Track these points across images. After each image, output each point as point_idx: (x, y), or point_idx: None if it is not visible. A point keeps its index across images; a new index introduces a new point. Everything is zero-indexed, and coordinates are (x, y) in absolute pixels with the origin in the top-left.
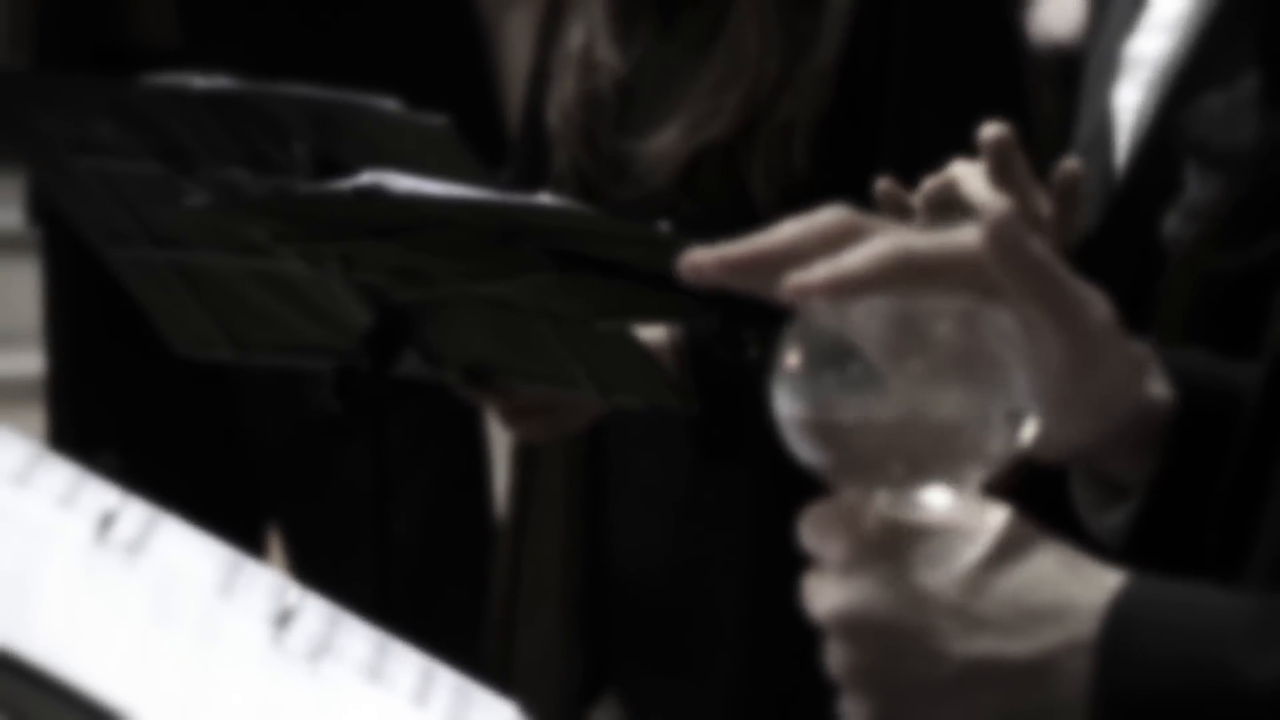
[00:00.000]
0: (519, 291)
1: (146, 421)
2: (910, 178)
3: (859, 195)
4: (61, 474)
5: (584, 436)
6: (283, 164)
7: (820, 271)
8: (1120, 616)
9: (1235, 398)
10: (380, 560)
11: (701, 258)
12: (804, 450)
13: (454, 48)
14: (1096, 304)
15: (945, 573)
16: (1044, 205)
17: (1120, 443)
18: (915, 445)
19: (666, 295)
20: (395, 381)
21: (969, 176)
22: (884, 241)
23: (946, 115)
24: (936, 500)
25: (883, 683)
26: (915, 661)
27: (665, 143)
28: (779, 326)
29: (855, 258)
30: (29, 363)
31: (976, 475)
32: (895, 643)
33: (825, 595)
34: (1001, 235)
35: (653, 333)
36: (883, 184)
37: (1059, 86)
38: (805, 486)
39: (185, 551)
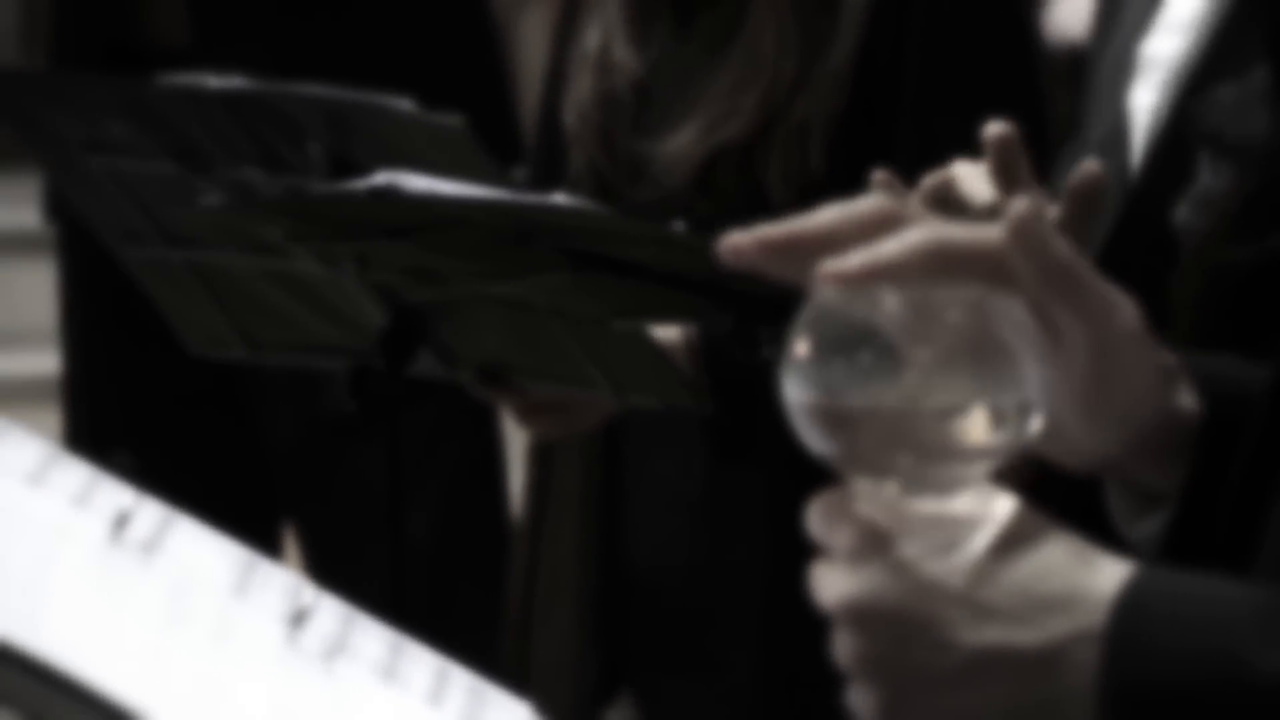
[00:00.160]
0: (533, 291)
1: (163, 420)
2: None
3: None
4: (76, 474)
5: (600, 436)
6: (297, 164)
7: (856, 259)
8: (1129, 607)
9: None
10: (395, 560)
11: (740, 239)
12: (813, 439)
13: (468, 47)
14: (1124, 308)
15: (953, 562)
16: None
17: (1148, 451)
18: (924, 434)
19: (681, 295)
20: (410, 381)
21: (969, 176)
22: (920, 231)
23: (962, 115)
24: (945, 490)
25: (891, 672)
26: (923, 651)
27: (681, 143)
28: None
29: (891, 246)
30: (44, 362)
31: (986, 465)
32: (903, 632)
33: (833, 584)
34: (1024, 233)
35: (667, 332)
36: (879, 176)
37: (1073, 86)
38: (820, 485)
39: (200, 551)
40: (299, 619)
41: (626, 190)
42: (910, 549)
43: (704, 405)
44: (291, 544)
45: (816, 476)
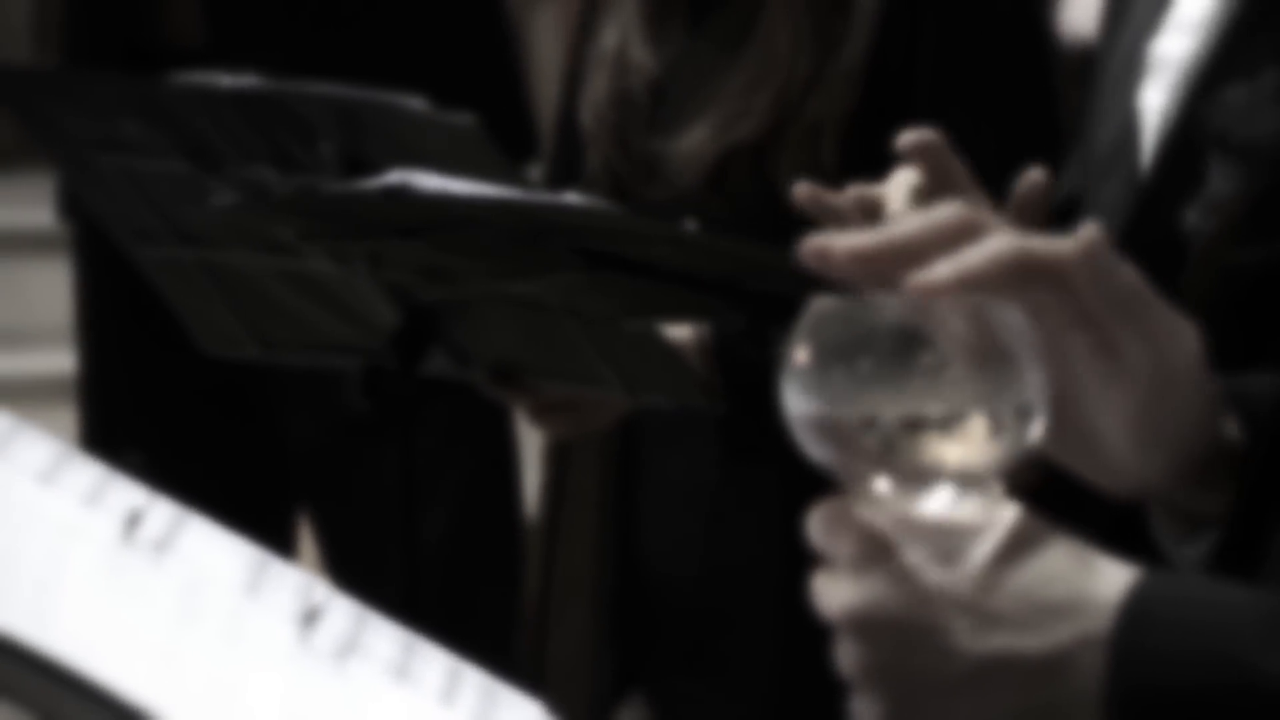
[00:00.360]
0: (546, 290)
1: (177, 419)
2: None
3: None
4: (88, 473)
5: (616, 435)
6: (310, 163)
7: (944, 270)
8: (1134, 611)
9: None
10: (409, 559)
11: (831, 246)
12: (813, 447)
13: (481, 46)
14: (1187, 335)
15: (956, 569)
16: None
17: (1191, 477)
18: (924, 442)
19: (693, 294)
20: (424, 381)
21: (894, 184)
22: (1001, 241)
23: (975, 115)
24: (946, 497)
25: (895, 681)
26: (928, 659)
27: (694, 142)
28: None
29: (977, 257)
30: (57, 361)
31: (986, 471)
32: (907, 640)
33: (836, 594)
34: (1092, 258)
35: (680, 331)
36: (801, 189)
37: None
38: (833, 486)
39: (212, 550)
40: (311, 618)
41: (641, 189)
42: (912, 557)
43: (716, 405)
44: (306, 543)
45: (829, 479)
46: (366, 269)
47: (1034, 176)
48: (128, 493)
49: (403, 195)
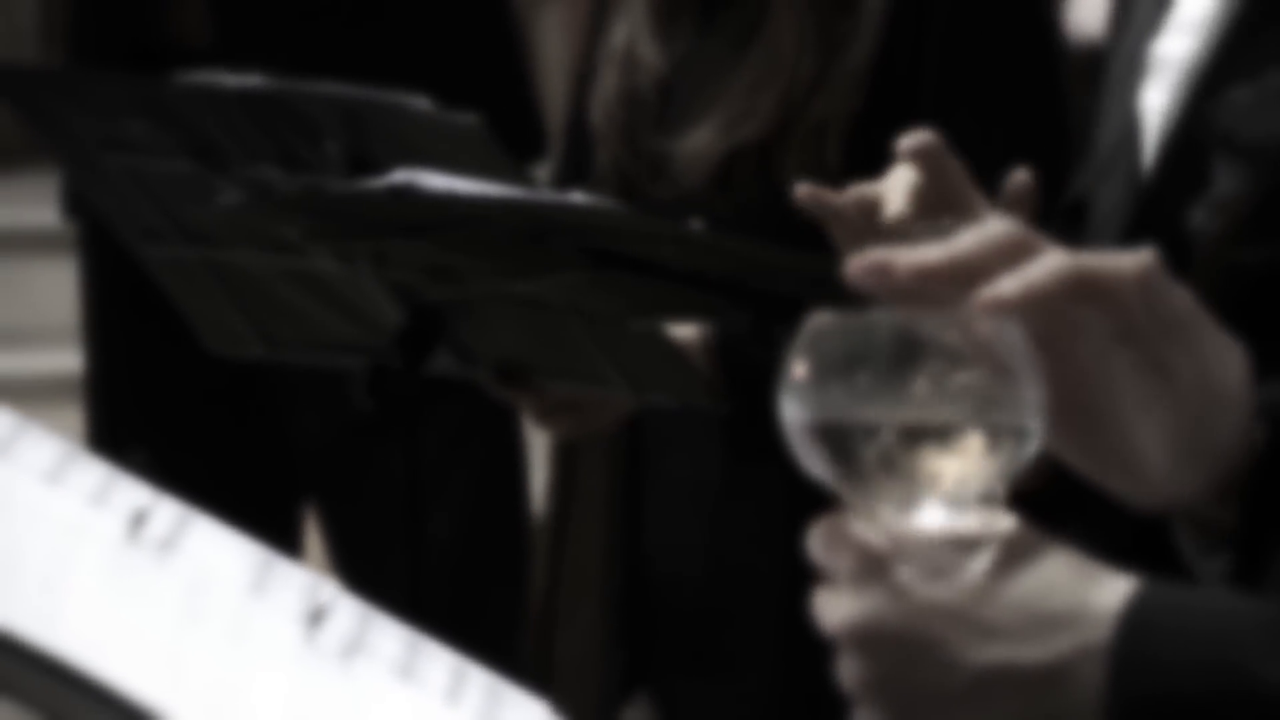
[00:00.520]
0: (551, 290)
1: (184, 418)
2: None
3: None
4: (93, 472)
5: (624, 434)
6: (315, 162)
7: (1011, 285)
8: (1133, 621)
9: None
10: (415, 558)
11: (894, 262)
12: (811, 461)
13: (487, 45)
14: (1234, 357)
15: (955, 582)
16: (988, 214)
17: (1225, 492)
18: (922, 456)
19: (698, 294)
20: (430, 381)
21: (891, 186)
22: (1061, 258)
23: (981, 116)
24: (944, 511)
25: (897, 694)
26: (928, 671)
27: (700, 142)
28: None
29: (1040, 272)
30: (63, 360)
31: (983, 485)
32: (907, 653)
33: (836, 608)
34: (1148, 278)
35: (685, 331)
36: (803, 190)
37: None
38: (832, 498)
39: (217, 550)
40: (316, 617)
41: (649, 188)
42: (911, 570)
43: (721, 404)
44: (313, 542)
45: (828, 490)
46: (371, 268)
47: (1021, 177)
48: (133, 492)
49: (408, 195)
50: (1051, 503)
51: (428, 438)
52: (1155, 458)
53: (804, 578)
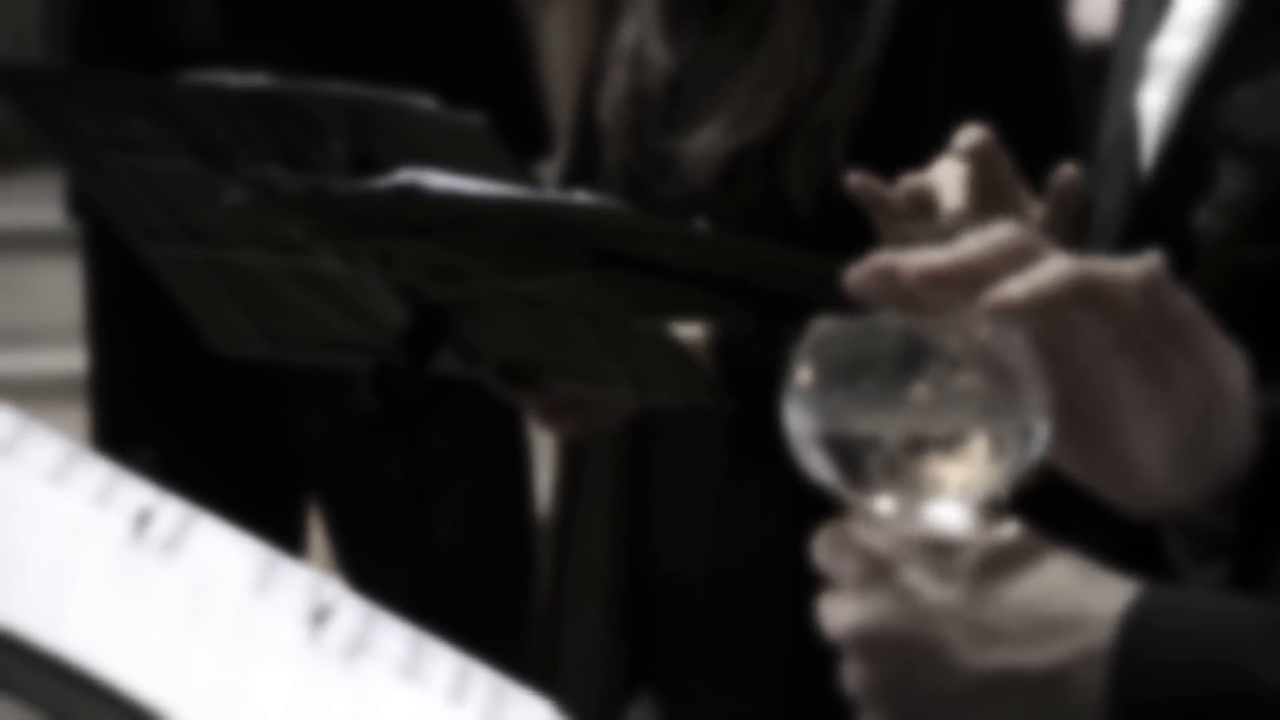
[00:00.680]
0: (555, 289)
1: (189, 417)
2: None
3: None
4: (97, 472)
5: (629, 434)
6: (319, 162)
7: (1018, 288)
8: (1134, 625)
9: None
10: (419, 558)
11: (899, 266)
12: (816, 466)
13: (493, 44)
14: (1235, 363)
15: (958, 587)
16: (1033, 210)
17: (1227, 499)
18: (926, 462)
19: (703, 293)
20: (434, 380)
21: (945, 180)
22: (1065, 263)
23: (987, 117)
24: (947, 516)
25: (900, 698)
26: (931, 676)
27: (705, 142)
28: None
29: (1045, 276)
30: (67, 360)
31: (988, 491)
32: (910, 658)
33: (840, 613)
34: (1153, 285)
35: (689, 330)
36: (856, 178)
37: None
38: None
39: (221, 550)
40: (320, 617)
41: (655, 187)
42: (914, 575)
43: (725, 404)
44: (318, 541)
45: (832, 496)
46: (376, 268)
47: (1068, 172)
48: (137, 492)
49: (412, 194)
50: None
51: (432, 437)
52: (1153, 464)
53: (807, 578)
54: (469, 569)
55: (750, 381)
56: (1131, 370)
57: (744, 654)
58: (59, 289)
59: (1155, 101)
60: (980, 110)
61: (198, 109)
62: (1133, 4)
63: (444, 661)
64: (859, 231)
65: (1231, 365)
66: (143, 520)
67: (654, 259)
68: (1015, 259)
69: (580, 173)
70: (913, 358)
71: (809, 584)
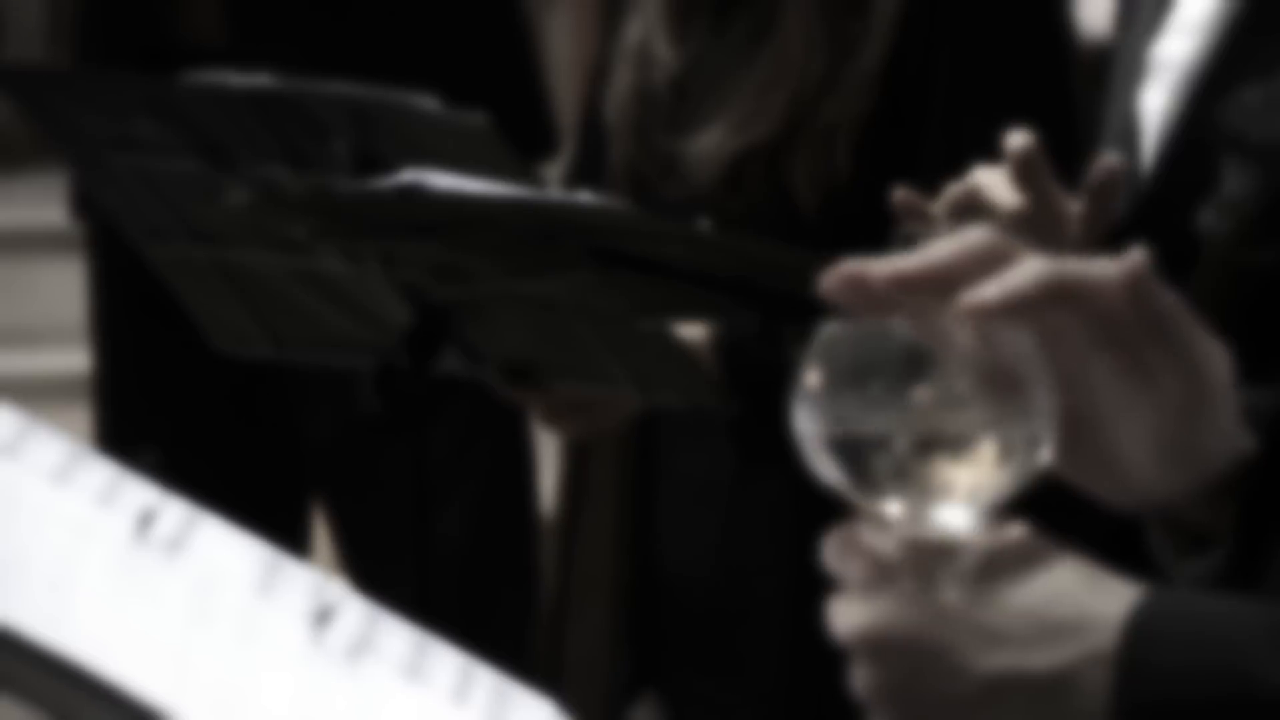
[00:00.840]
0: (559, 289)
1: (193, 417)
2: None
3: None
4: (101, 472)
5: (635, 434)
6: (323, 162)
7: (993, 290)
8: (1138, 628)
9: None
10: (423, 558)
11: (867, 272)
12: (824, 469)
13: (498, 44)
14: (1218, 359)
15: (964, 590)
16: (1069, 206)
17: (1207, 494)
18: (934, 465)
19: (707, 294)
20: (438, 380)
21: (992, 182)
22: (1040, 265)
23: (990, 120)
24: (955, 519)
25: (907, 700)
26: (937, 678)
27: (710, 142)
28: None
29: (1019, 279)
30: (71, 360)
31: (996, 495)
32: (917, 660)
33: (847, 616)
34: (1137, 281)
35: (693, 331)
36: (900, 193)
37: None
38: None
39: (224, 550)
40: (323, 617)
41: (660, 186)
42: (921, 578)
43: (728, 405)
44: (322, 541)
45: (840, 498)
46: (379, 268)
47: (1108, 162)
48: (140, 492)
49: (416, 195)
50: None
51: (436, 438)
52: (1138, 459)
53: (813, 579)
54: (472, 569)
55: (753, 382)
56: (1114, 368)
57: (749, 654)
58: (63, 289)
59: (1156, 102)
60: (985, 111)
61: (201, 109)
62: (1133, 5)
63: (447, 661)
64: (864, 232)
65: (1214, 359)
66: (146, 520)
67: (658, 259)
68: (989, 262)
69: (585, 172)
70: (921, 361)
71: (814, 585)
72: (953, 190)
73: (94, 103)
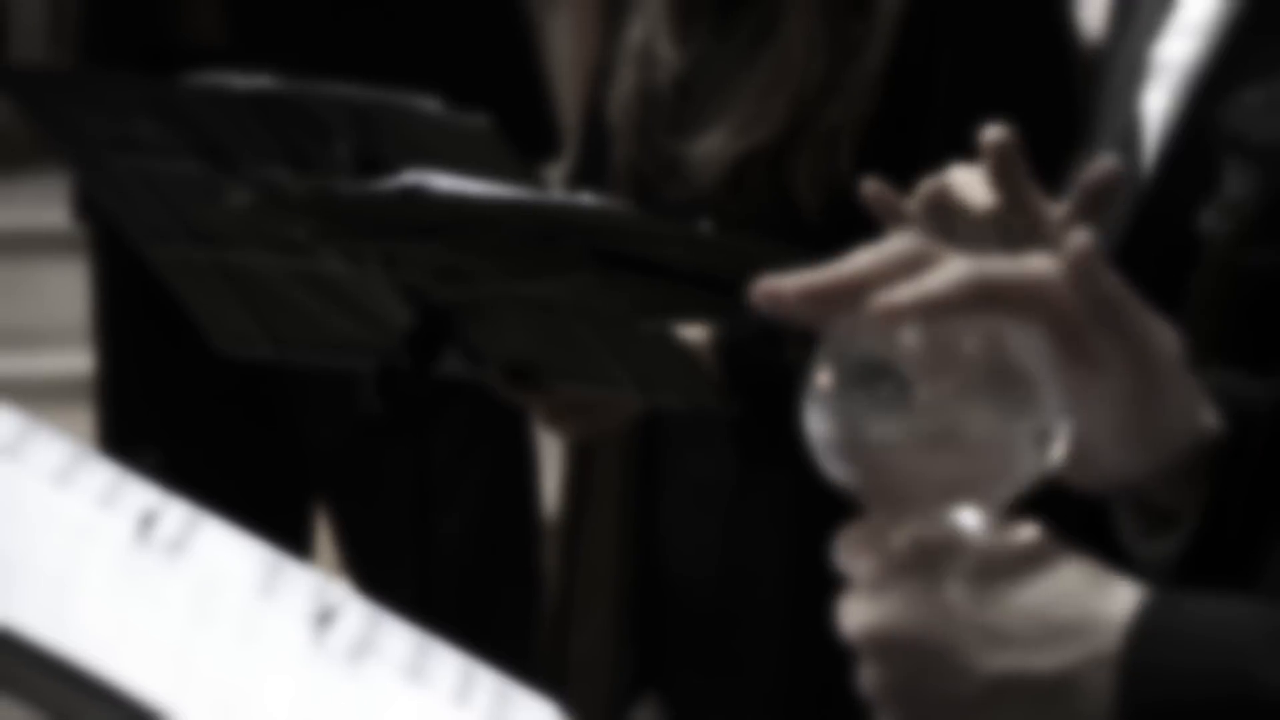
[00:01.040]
0: (560, 291)
1: (196, 419)
2: None
3: None
4: (102, 474)
5: (638, 435)
6: (324, 163)
7: (905, 293)
8: (1142, 630)
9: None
10: (425, 560)
11: (780, 287)
12: (835, 469)
13: (500, 44)
14: (1166, 339)
15: (972, 589)
16: (1047, 208)
17: (1173, 474)
18: (945, 464)
19: (708, 295)
20: (439, 382)
21: (966, 182)
22: (961, 265)
23: (994, 121)
24: (965, 519)
25: (912, 699)
26: (941, 678)
27: (712, 144)
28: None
29: (937, 281)
30: (73, 362)
31: (1005, 493)
32: (922, 660)
33: (855, 614)
34: (1082, 265)
35: (694, 332)
36: (871, 186)
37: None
38: (845, 493)
39: (226, 551)
40: (325, 619)
41: (662, 188)
42: (930, 577)
43: (729, 406)
44: (325, 543)
45: (850, 497)
46: (380, 269)
47: (1104, 165)
48: (142, 494)
49: (417, 196)
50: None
51: (437, 439)
52: (1097, 444)
53: (814, 580)
54: (474, 571)
55: (754, 383)
56: (1062, 360)
57: (751, 656)
58: (65, 290)
59: (1157, 103)
60: (987, 113)
61: (203, 110)
62: (1131, 6)
63: (448, 663)
64: (866, 234)
65: (1162, 340)
66: (148, 522)
67: (659, 261)
68: (908, 268)
69: (587, 174)
70: (932, 359)
71: (816, 586)
72: (925, 187)
73: (95, 103)
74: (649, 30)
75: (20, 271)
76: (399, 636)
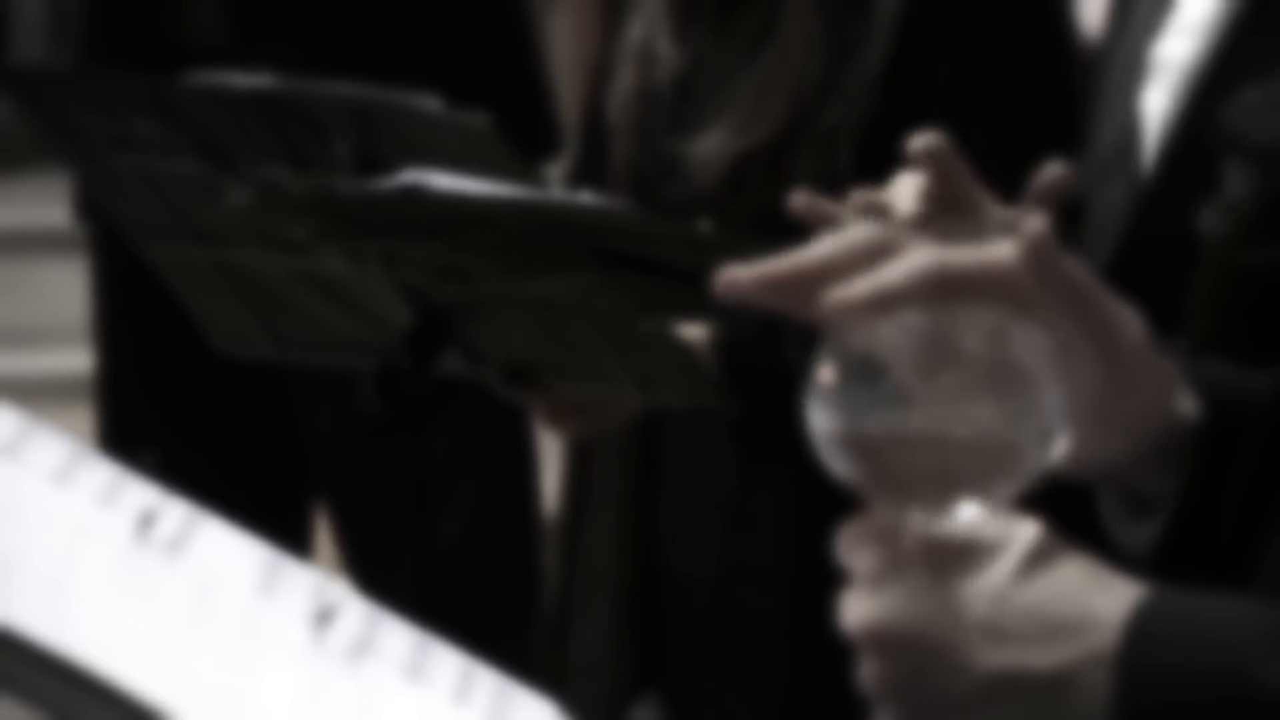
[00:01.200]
0: (560, 290)
1: (196, 418)
2: None
3: None
4: (102, 473)
5: (638, 434)
6: (324, 162)
7: (860, 286)
8: (1139, 629)
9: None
10: (425, 559)
11: (738, 275)
12: (837, 465)
13: (500, 43)
14: (1131, 322)
15: (972, 585)
16: (995, 212)
17: (1150, 458)
18: (947, 461)
19: (707, 294)
20: (439, 382)
21: (899, 189)
22: (920, 256)
23: (994, 121)
24: (967, 515)
25: (910, 695)
26: (939, 675)
27: (711, 144)
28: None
29: (893, 272)
30: (73, 361)
31: (1007, 490)
32: (921, 655)
33: (855, 609)
34: (1038, 253)
35: (694, 332)
36: (799, 199)
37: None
38: (846, 490)
39: (225, 550)
40: (324, 618)
41: (662, 187)
42: (931, 573)
43: (729, 405)
44: (324, 542)
45: (852, 492)
46: (380, 268)
47: (1054, 170)
48: (141, 493)
49: (417, 195)
50: None
51: (437, 438)
52: (1075, 429)
53: (814, 579)
54: (474, 570)
55: (754, 382)
56: None
57: (751, 655)
58: (64, 289)
59: (1157, 102)
60: (986, 113)
61: (202, 109)
62: (1130, 5)
63: (448, 662)
64: None
65: (1127, 324)
66: (147, 521)
67: (659, 260)
68: (868, 258)
69: (587, 172)
70: (935, 355)
71: (815, 586)
72: (857, 196)
73: (95, 102)
74: (648, 29)
75: (20, 271)
76: (398, 636)
